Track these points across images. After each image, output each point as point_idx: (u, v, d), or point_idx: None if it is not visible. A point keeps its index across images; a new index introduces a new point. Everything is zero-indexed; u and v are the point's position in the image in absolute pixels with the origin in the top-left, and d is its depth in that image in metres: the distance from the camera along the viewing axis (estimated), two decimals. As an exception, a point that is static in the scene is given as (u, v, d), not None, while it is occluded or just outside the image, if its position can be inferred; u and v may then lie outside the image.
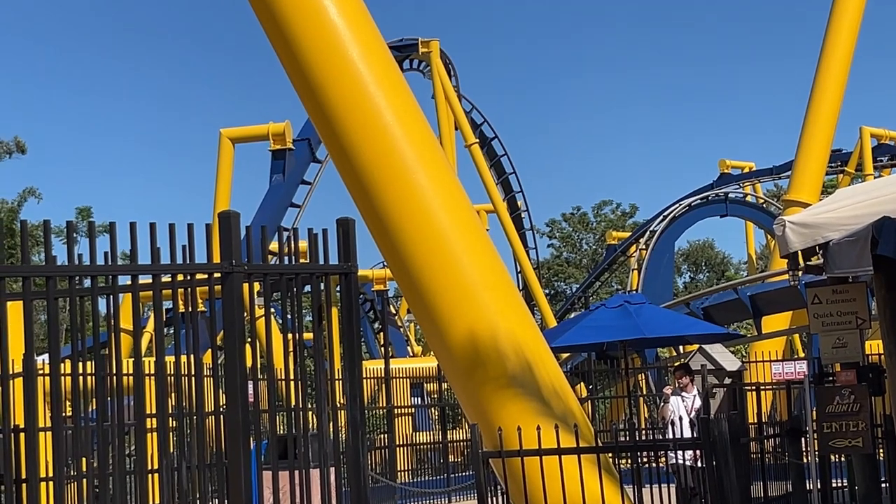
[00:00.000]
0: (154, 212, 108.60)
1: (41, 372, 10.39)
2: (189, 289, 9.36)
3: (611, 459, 13.66)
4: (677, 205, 48.07)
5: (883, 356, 10.96)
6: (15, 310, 9.08)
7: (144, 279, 9.25)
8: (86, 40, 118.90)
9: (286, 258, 9.78)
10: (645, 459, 15.64)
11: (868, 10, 31.33)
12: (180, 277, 9.29)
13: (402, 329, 54.47)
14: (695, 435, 12.34)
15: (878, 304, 10.69)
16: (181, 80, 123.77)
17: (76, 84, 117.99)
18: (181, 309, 9.66)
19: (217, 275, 9.18)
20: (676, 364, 20.65)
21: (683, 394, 18.03)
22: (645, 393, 35.17)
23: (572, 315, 45.90)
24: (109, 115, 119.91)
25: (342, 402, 9.78)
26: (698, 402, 18.01)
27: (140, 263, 9.04)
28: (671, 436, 14.62)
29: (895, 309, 10.62)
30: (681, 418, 15.51)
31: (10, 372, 8.71)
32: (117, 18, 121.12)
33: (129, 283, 9.14)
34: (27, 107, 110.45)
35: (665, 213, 47.98)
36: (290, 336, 9.96)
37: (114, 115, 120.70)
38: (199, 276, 9.28)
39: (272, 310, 18.16)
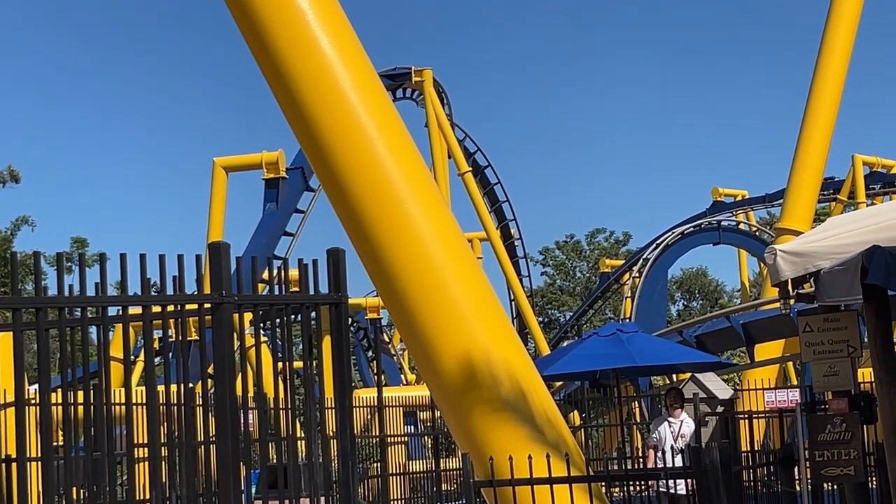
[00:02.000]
0: (151, 241, 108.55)
1: (32, 402, 10.38)
2: (179, 319, 9.37)
3: (602, 489, 13.64)
4: (670, 233, 48.14)
5: (874, 384, 10.95)
6: (6, 340, 9.08)
7: (135, 310, 9.25)
8: (81, 70, 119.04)
9: (277, 288, 9.79)
10: (637, 488, 15.62)
11: (859, 39, 31.45)
12: (171, 308, 9.29)
13: (395, 357, 54.41)
14: (683, 462, 12.32)
15: (869, 332, 10.69)
16: (176, 110, 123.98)
17: (72, 113, 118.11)
18: (172, 339, 9.65)
19: (207, 305, 9.19)
20: (668, 387, 20.63)
21: (671, 419, 18.00)
22: (638, 421, 35.13)
23: (566, 343, 45.87)
24: (106, 143, 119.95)
25: (334, 431, 9.78)
26: (685, 428, 17.99)
27: (130, 294, 9.05)
28: (659, 463, 14.60)
29: (886, 337, 10.62)
30: (670, 447, 15.48)
31: (1, 402, 8.72)
32: (114, 47, 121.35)
33: (119, 313, 9.15)
34: (23, 135, 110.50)
35: (658, 241, 48.04)
36: (280, 365, 9.95)
37: (110, 144, 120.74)
38: (189, 306, 9.28)
39: (264, 338, 18.16)
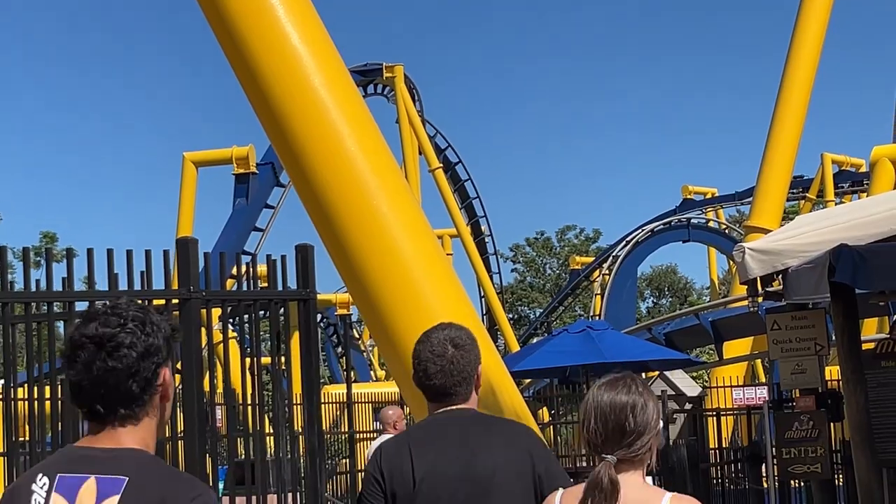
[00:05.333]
0: (122, 236, 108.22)
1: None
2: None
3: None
4: (640, 230, 48.25)
5: (841, 382, 11.01)
6: (-29, 335, 9.03)
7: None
8: (51, 63, 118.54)
9: (245, 284, 9.77)
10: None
11: (828, 38, 31.59)
12: (138, 303, 9.27)
13: (365, 353, 54.39)
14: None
15: (836, 330, 10.75)
16: (146, 104, 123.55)
17: (41, 106, 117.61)
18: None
19: (175, 301, 9.17)
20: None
21: None
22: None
23: (535, 340, 45.95)
24: (76, 137, 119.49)
25: (302, 427, 9.77)
26: None
27: (97, 289, 9.02)
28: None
29: (853, 335, 10.68)
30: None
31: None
32: (81, 41, 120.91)
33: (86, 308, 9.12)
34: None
35: (628, 239, 48.15)
36: (248, 361, 9.94)
37: (80, 138, 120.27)
38: (156, 302, 9.25)
39: (233, 334, 18.11)
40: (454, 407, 5.13)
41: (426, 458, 4.99)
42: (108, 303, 3.58)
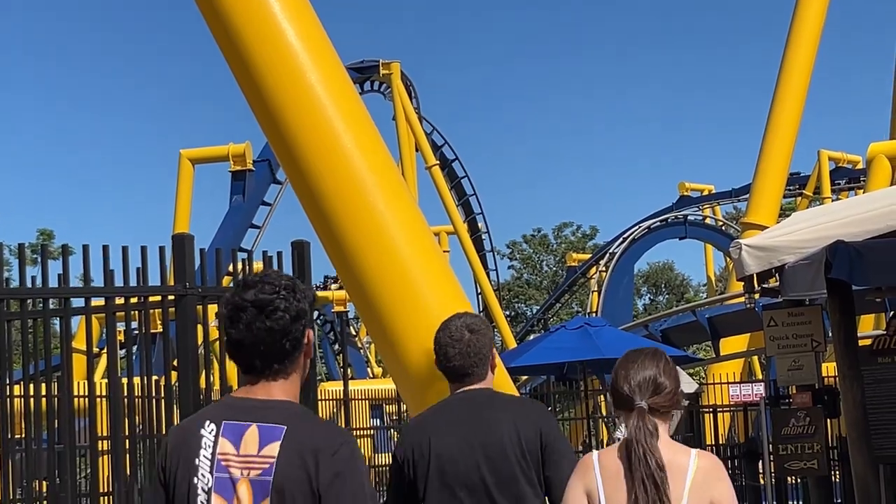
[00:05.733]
0: (119, 234, 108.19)
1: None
2: (143, 311, 9.32)
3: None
4: (637, 227, 48.25)
5: (838, 378, 11.00)
6: (-33, 332, 9.01)
7: (98, 301, 9.20)
8: (47, 59, 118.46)
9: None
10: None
11: (825, 35, 31.58)
12: (134, 300, 9.25)
13: (361, 350, 54.38)
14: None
15: (833, 326, 10.74)
16: (143, 101, 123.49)
17: (38, 103, 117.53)
18: (135, 331, 9.61)
19: (171, 297, 9.15)
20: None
21: None
22: (605, 415, 35.23)
23: (532, 337, 45.96)
24: (74, 135, 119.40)
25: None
26: None
27: (93, 286, 9.01)
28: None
29: (849, 332, 10.67)
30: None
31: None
32: (78, 39, 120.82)
33: (82, 305, 9.10)
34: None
35: (625, 235, 48.16)
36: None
37: (78, 136, 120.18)
38: (152, 298, 9.24)
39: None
40: (472, 387, 5.66)
41: (444, 433, 5.50)
42: (260, 273, 4.15)
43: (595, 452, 4.77)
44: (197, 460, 4.04)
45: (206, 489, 4.01)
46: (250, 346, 4.06)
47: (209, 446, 4.03)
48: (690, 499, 4.53)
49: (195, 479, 4.03)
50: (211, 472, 4.01)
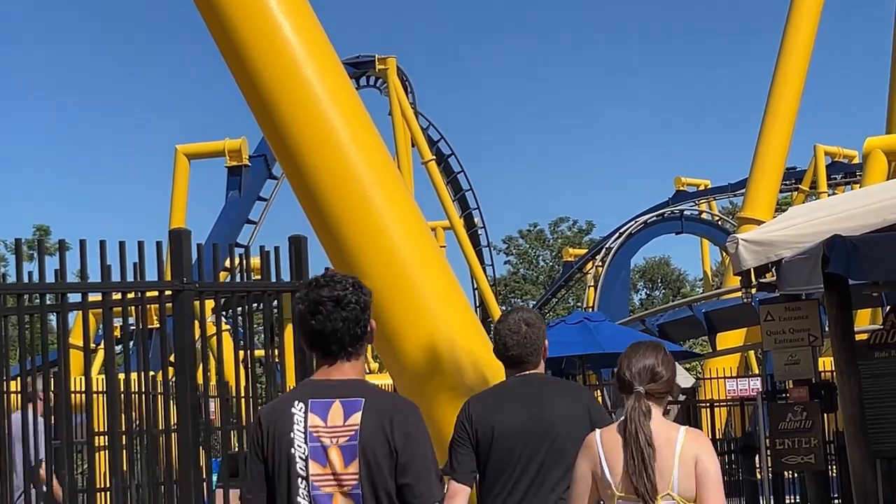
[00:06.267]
0: (114, 229, 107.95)
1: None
2: (140, 306, 9.31)
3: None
4: (633, 222, 48.25)
5: (835, 373, 11.01)
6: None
7: (95, 297, 9.19)
8: (43, 55, 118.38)
9: (239, 276, 9.74)
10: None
11: (821, 30, 31.59)
12: (131, 295, 9.24)
13: (358, 346, 54.35)
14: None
15: (830, 321, 10.74)
16: (139, 97, 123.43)
17: (34, 98, 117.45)
18: (132, 327, 9.60)
19: (168, 292, 9.14)
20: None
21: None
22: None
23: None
24: (69, 130, 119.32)
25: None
26: None
27: (90, 281, 8.99)
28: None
29: (846, 326, 10.68)
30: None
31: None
32: (76, 32, 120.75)
33: (79, 300, 9.09)
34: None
35: (621, 230, 48.14)
36: (242, 353, 9.92)
37: (73, 131, 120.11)
38: (149, 293, 9.23)
39: (227, 326, 18.08)
40: (527, 372, 6.51)
41: (504, 410, 6.38)
42: (326, 275, 5.03)
43: (597, 431, 5.62)
44: (291, 434, 4.91)
45: (303, 457, 4.89)
46: (329, 333, 4.96)
47: (300, 422, 4.91)
48: (680, 465, 5.45)
49: (292, 450, 4.90)
50: (305, 443, 4.90)
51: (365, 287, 4.94)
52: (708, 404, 20.15)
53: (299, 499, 4.92)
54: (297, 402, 4.96)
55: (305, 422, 4.92)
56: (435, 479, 5.00)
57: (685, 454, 5.48)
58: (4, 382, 8.88)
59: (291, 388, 5.48)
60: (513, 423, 6.32)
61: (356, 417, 4.88)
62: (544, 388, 6.49)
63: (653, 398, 5.56)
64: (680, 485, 5.45)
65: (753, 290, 12.28)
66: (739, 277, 11.74)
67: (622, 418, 5.51)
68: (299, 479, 4.92)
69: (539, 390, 6.45)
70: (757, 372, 32.25)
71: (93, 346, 10.29)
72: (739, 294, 13.37)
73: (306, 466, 4.90)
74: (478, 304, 45.91)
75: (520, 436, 6.30)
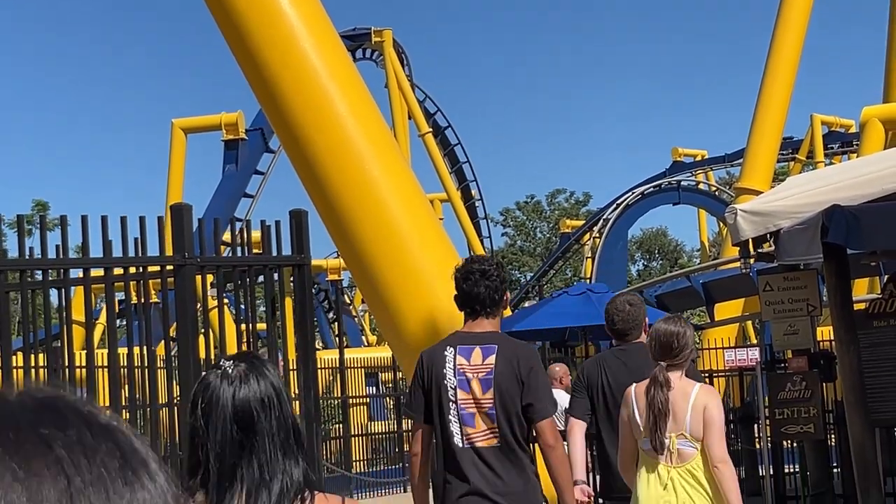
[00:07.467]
0: (111, 204, 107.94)
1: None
2: (141, 281, 9.33)
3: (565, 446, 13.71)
4: (630, 193, 48.19)
5: (833, 343, 11.04)
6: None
7: (97, 272, 9.21)
8: (39, 30, 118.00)
9: (239, 250, 9.76)
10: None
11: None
12: (132, 270, 9.26)
13: (356, 319, 54.40)
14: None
15: (828, 291, 10.76)
16: (135, 70, 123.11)
17: (31, 74, 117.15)
18: (133, 301, 9.62)
19: (169, 267, 9.16)
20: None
21: None
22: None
23: (527, 304, 45.98)
24: (66, 105, 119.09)
25: (297, 392, 9.79)
26: None
27: (92, 256, 9.01)
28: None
29: (845, 296, 10.69)
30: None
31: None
32: (69, 8, 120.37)
33: (80, 275, 9.10)
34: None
35: (618, 202, 48.10)
36: (243, 327, 9.95)
37: (70, 106, 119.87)
38: (151, 268, 9.24)
39: (227, 300, 18.13)
40: (630, 342, 8.53)
41: (611, 371, 8.44)
42: (480, 255, 7.68)
43: (634, 385, 7.52)
44: (444, 370, 6.82)
45: (453, 387, 6.78)
46: (475, 296, 6.89)
47: (451, 361, 6.82)
48: (692, 412, 7.23)
49: (445, 381, 6.80)
50: (454, 376, 6.79)
51: (505, 267, 6.40)
52: (707, 375, 20.14)
53: (450, 416, 6.78)
54: (448, 347, 6.89)
55: (454, 361, 6.81)
56: (549, 400, 6.86)
57: (697, 403, 7.25)
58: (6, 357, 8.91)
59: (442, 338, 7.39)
60: (617, 383, 8.21)
61: (491, 359, 6.76)
62: (641, 354, 8.10)
63: (672, 366, 7.34)
64: (691, 427, 7.23)
65: (752, 261, 12.29)
66: (738, 248, 11.75)
67: (648, 381, 7.35)
68: (450, 403, 6.77)
69: (636, 356, 8.25)
70: (755, 342, 32.29)
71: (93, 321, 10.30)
72: (738, 264, 13.39)
73: (455, 394, 6.77)
74: (476, 277, 45.85)
75: (618, 389, 8.10)
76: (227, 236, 14.24)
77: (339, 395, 28.69)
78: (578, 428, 8.51)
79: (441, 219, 47.34)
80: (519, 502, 6.80)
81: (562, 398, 11.70)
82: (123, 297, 14.97)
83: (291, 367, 10.03)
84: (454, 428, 6.77)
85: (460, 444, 6.77)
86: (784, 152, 44.12)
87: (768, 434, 13.37)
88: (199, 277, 9.26)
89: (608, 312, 8.57)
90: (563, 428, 9.40)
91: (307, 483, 3.56)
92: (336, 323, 43.03)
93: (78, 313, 12.14)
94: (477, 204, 51.35)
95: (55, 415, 1.06)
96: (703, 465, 7.24)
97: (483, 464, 6.74)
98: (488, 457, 6.75)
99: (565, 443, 8.01)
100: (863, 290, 26.88)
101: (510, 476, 6.75)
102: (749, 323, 35.65)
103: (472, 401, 6.73)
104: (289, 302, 10.72)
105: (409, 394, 7.11)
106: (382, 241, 13.20)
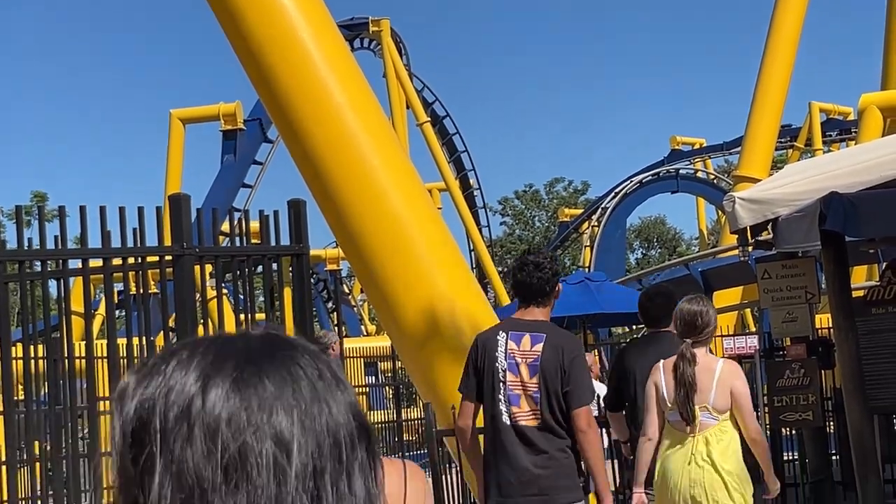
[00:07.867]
0: (109, 194, 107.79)
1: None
2: (140, 272, 9.34)
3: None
4: (629, 181, 48.18)
5: (832, 330, 11.05)
6: (-35, 294, 9.01)
7: (95, 262, 9.21)
8: (36, 21, 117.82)
9: (238, 239, 9.76)
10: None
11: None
12: (131, 260, 9.26)
13: (355, 308, 54.43)
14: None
15: (827, 278, 10.77)
16: (132, 60, 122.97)
17: (29, 65, 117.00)
18: (132, 292, 9.63)
19: (168, 257, 9.16)
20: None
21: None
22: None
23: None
24: (64, 96, 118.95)
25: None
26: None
27: (90, 247, 9.01)
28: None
29: (843, 283, 10.70)
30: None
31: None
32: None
33: (79, 266, 9.11)
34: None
35: (617, 190, 48.08)
36: (242, 317, 9.95)
37: (68, 97, 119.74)
38: (150, 258, 9.25)
39: (225, 290, 18.14)
40: (660, 330, 9.25)
41: (643, 356, 9.02)
42: (536, 250, 8.64)
43: (662, 361, 8.20)
44: (496, 353, 7.51)
45: (503, 369, 7.47)
46: (528, 286, 7.57)
47: (502, 345, 7.51)
48: (717, 387, 7.95)
49: (496, 364, 7.49)
50: (505, 359, 7.47)
51: (558, 261, 6.59)
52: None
53: (499, 396, 7.47)
54: (501, 332, 7.61)
55: (506, 346, 7.49)
56: (588, 388, 7.49)
57: (722, 379, 7.97)
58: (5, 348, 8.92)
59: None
60: (645, 364, 8.68)
61: (539, 346, 7.44)
62: (667, 341, 8.79)
63: (697, 342, 8.08)
64: (715, 400, 7.95)
65: (750, 249, 12.30)
66: (736, 236, 11.75)
67: (675, 357, 8.05)
68: (500, 384, 7.47)
69: (664, 343, 8.88)
70: (754, 330, 32.31)
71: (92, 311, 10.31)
72: (736, 252, 13.41)
73: (504, 376, 7.46)
74: (474, 266, 45.96)
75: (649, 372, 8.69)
76: (225, 226, 14.25)
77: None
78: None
79: (439, 208, 47.33)
80: (555, 476, 7.46)
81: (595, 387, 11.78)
82: (122, 288, 14.93)
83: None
84: (502, 407, 7.49)
85: (507, 422, 7.49)
86: (782, 140, 44.09)
87: (767, 421, 13.38)
88: (197, 267, 9.27)
89: (640, 301, 9.51)
90: (596, 414, 9.99)
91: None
92: (335, 312, 43.01)
93: (77, 304, 12.15)
94: (475, 193, 51.34)
95: (284, 343, 1.50)
96: (718, 432, 7.99)
97: (525, 440, 7.46)
98: (530, 434, 7.46)
99: (601, 430, 8.96)
100: (861, 278, 26.91)
101: (549, 451, 7.46)
102: (748, 311, 35.68)
103: (519, 383, 7.45)
104: (288, 292, 10.73)
105: (464, 373, 7.77)
106: (382, 232, 13.19)
